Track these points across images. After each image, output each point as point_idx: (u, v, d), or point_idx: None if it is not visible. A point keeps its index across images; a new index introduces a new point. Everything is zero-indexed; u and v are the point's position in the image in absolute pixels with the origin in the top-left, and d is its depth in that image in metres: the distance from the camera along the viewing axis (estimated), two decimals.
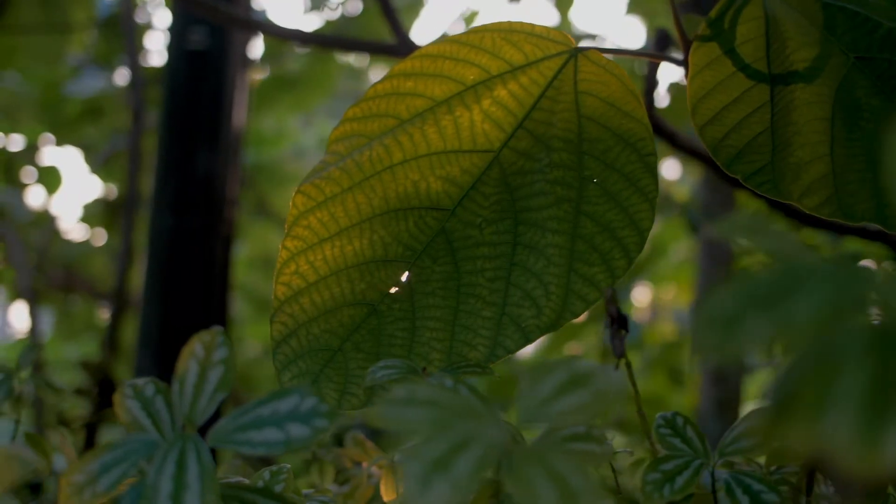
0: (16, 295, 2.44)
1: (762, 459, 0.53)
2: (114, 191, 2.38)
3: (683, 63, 0.64)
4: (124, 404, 0.42)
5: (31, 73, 2.08)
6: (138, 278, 2.26)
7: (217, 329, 0.42)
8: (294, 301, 0.56)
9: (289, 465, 0.53)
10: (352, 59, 2.82)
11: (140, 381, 0.43)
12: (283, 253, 0.56)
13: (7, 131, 2.27)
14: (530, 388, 0.33)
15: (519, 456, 0.31)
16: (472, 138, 0.58)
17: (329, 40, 1.02)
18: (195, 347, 0.42)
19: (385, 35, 2.45)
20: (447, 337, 0.54)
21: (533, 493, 0.30)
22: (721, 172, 0.57)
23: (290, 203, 0.57)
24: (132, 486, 0.39)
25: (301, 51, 2.48)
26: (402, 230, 0.56)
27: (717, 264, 2.10)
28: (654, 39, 0.83)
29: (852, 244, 2.29)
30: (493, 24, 0.60)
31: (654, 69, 0.86)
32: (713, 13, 0.59)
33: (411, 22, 2.87)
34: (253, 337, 2.52)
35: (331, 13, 2.57)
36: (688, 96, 0.58)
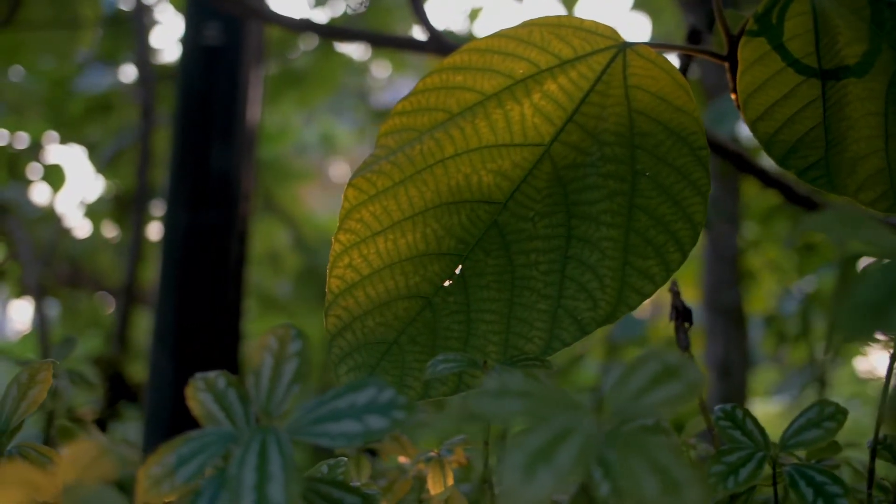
0: (20, 291, 2.44)
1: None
2: (120, 188, 2.37)
3: (726, 58, 0.65)
4: (197, 397, 0.42)
5: (37, 69, 2.07)
6: (145, 274, 2.25)
7: (290, 323, 0.42)
8: (348, 294, 0.56)
9: (346, 459, 0.53)
10: (354, 54, 2.82)
11: (211, 374, 0.43)
12: (336, 246, 0.56)
13: (13, 128, 2.26)
14: (622, 382, 0.33)
15: (620, 447, 0.31)
16: (523, 132, 0.58)
17: (357, 34, 1.02)
18: (269, 340, 0.42)
19: (390, 31, 2.45)
20: (503, 330, 0.54)
21: (636, 484, 0.30)
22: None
23: (342, 197, 0.57)
24: (211, 477, 0.39)
25: (306, 47, 2.48)
26: (454, 223, 0.57)
27: (722, 260, 2.10)
28: (686, 35, 0.83)
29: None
30: (541, 18, 0.60)
31: (685, 65, 0.87)
32: (760, 8, 0.60)
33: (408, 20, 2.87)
34: (258, 333, 2.52)
35: (334, 10, 2.57)
36: (738, 92, 0.58)
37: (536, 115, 0.58)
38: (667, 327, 2.91)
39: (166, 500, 0.40)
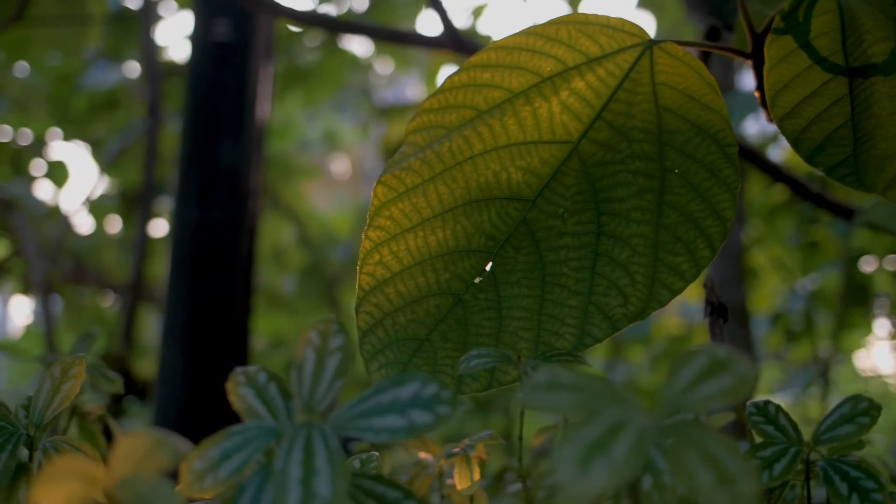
0: (23, 286, 2.44)
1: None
2: (125, 184, 2.37)
3: (750, 55, 0.65)
4: (238, 392, 0.42)
5: (43, 66, 2.07)
6: (151, 270, 2.25)
7: (332, 317, 0.42)
8: (379, 291, 0.56)
9: (377, 453, 0.53)
10: (357, 51, 2.82)
11: (251, 369, 0.44)
12: (366, 243, 0.57)
13: (18, 124, 2.26)
14: (674, 376, 0.33)
15: (675, 439, 0.31)
16: (552, 129, 0.58)
17: (373, 30, 1.02)
18: (311, 335, 0.42)
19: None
20: (534, 326, 0.55)
21: (690, 477, 0.31)
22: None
23: (372, 194, 0.58)
24: (255, 472, 0.39)
25: (311, 44, 2.48)
26: (484, 220, 0.57)
27: (726, 257, 2.11)
28: (705, 33, 0.83)
29: (861, 236, 2.31)
30: (568, 16, 0.60)
31: (704, 62, 0.87)
32: (786, 5, 0.60)
33: (415, 17, 2.87)
34: (262, 329, 2.52)
35: (340, 7, 2.57)
36: (765, 89, 0.58)
37: (565, 112, 0.59)
38: (670, 326, 2.92)
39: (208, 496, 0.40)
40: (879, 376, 3.18)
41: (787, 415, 0.49)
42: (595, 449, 0.31)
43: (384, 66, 3.01)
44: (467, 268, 0.56)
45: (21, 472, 0.49)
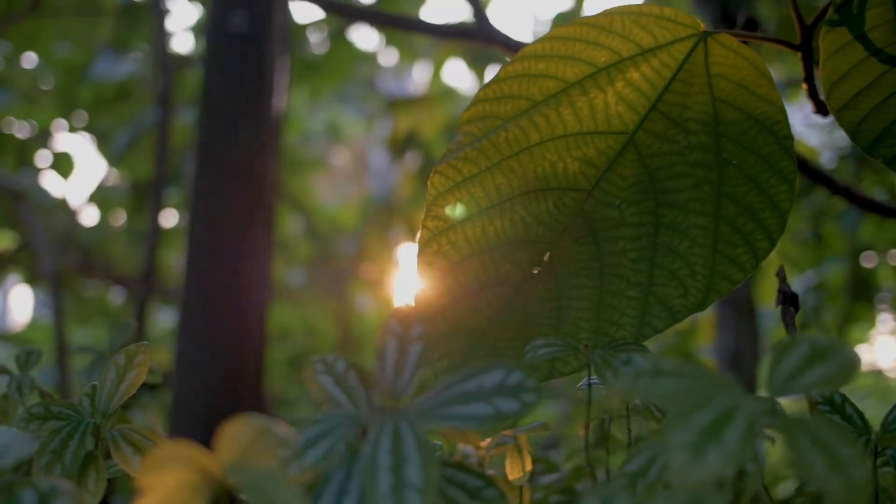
0: (29, 278, 2.43)
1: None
2: (134, 176, 2.36)
3: (799, 47, 0.65)
4: (317, 380, 0.42)
5: (52, 57, 2.06)
6: (161, 262, 2.25)
7: (411, 305, 0.42)
8: (437, 281, 0.56)
9: (440, 443, 0.53)
10: (363, 44, 2.81)
11: (329, 358, 0.44)
12: (424, 233, 0.57)
13: (25, 115, 2.25)
14: (777, 363, 0.34)
15: (787, 425, 0.31)
16: (607, 120, 0.58)
17: (399, 20, 1.02)
18: (393, 324, 0.42)
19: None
20: (593, 317, 0.55)
21: (803, 462, 0.31)
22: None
23: (428, 184, 0.58)
24: (342, 460, 0.39)
25: (317, 37, 2.48)
26: (542, 210, 0.57)
27: None
28: (742, 24, 0.83)
29: (866, 231, 2.32)
30: (622, 7, 0.60)
31: None
32: None
33: (418, 8, 2.86)
34: (271, 322, 2.52)
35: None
36: (822, 81, 0.58)
37: (620, 103, 0.59)
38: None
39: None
40: (879, 371, 3.20)
41: (853, 405, 0.49)
42: (707, 435, 0.31)
43: (389, 58, 3.00)
44: (525, 258, 0.56)
45: (89, 460, 0.49)
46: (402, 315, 0.42)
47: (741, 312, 2.08)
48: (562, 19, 2.65)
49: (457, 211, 0.57)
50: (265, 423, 0.33)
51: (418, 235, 0.57)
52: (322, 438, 0.40)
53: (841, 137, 2.30)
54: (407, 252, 2.72)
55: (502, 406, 0.39)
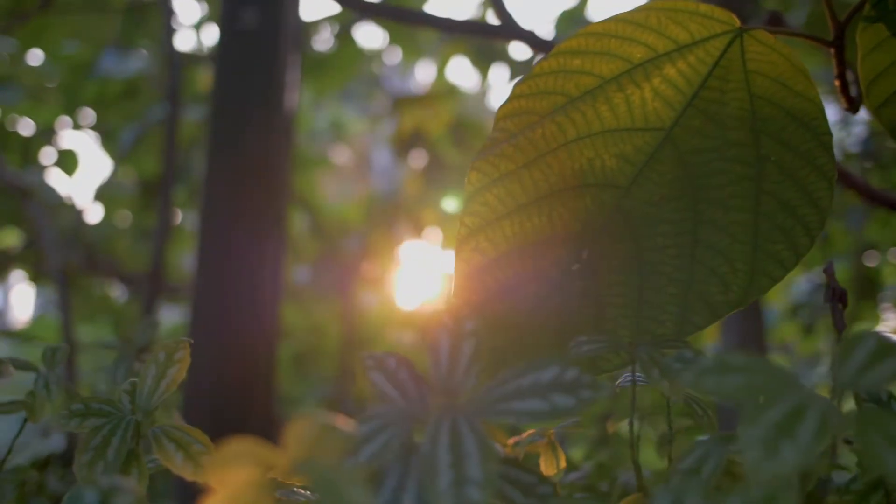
0: (34, 275, 2.42)
1: None
2: (142, 174, 2.36)
3: (832, 44, 0.65)
4: (370, 376, 0.42)
5: (59, 54, 2.06)
6: (169, 260, 2.24)
7: (461, 301, 0.42)
8: (476, 278, 0.56)
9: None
10: (369, 42, 2.81)
11: (379, 354, 0.43)
12: (462, 229, 0.56)
13: (30, 112, 2.24)
14: (845, 358, 0.34)
15: (859, 421, 0.31)
16: (644, 116, 0.58)
17: (421, 17, 1.02)
18: (445, 319, 0.42)
19: None
20: (633, 314, 0.55)
21: (876, 458, 0.31)
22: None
23: (465, 180, 0.57)
24: (397, 456, 0.39)
25: (323, 36, 2.47)
26: (580, 207, 0.57)
27: None
28: (766, 20, 0.83)
29: (872, 229, 2.32)
30: (657, 2, 0.60)
31: None
32: None
33: (422, 3, 2.86)
34: None
35: None
36: (860, 78, 0.58)
37: (656, 99, 0.58)
38: None
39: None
40: None
41: None
42: (781, 431, 0.31)
43: (393, 56, 3.00)
44: (564, 255, 0.56)
45: (131, 458, 0.48)
46: (453, 310, 0.42)
47: (746, 311, 2.07)
48: (567, 18, 2.65)
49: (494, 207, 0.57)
50: (329, 421, 0.33)
51: (455, 232, 0.57)
52: (377, 434, 0.40)
53: (842, 136, 2.30)
54: (410, 250, 2.72)
55: (559, 402, 0.39)
